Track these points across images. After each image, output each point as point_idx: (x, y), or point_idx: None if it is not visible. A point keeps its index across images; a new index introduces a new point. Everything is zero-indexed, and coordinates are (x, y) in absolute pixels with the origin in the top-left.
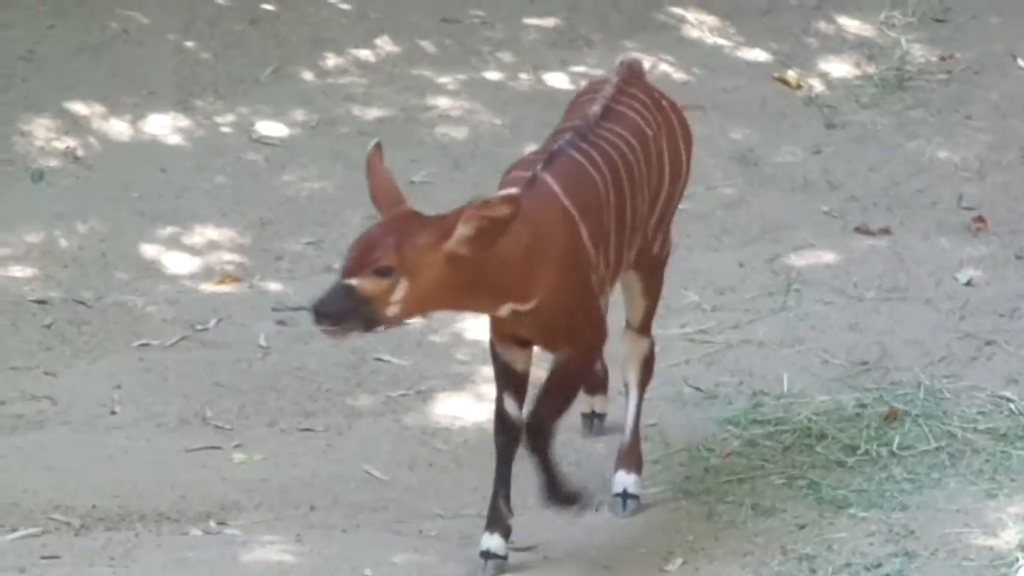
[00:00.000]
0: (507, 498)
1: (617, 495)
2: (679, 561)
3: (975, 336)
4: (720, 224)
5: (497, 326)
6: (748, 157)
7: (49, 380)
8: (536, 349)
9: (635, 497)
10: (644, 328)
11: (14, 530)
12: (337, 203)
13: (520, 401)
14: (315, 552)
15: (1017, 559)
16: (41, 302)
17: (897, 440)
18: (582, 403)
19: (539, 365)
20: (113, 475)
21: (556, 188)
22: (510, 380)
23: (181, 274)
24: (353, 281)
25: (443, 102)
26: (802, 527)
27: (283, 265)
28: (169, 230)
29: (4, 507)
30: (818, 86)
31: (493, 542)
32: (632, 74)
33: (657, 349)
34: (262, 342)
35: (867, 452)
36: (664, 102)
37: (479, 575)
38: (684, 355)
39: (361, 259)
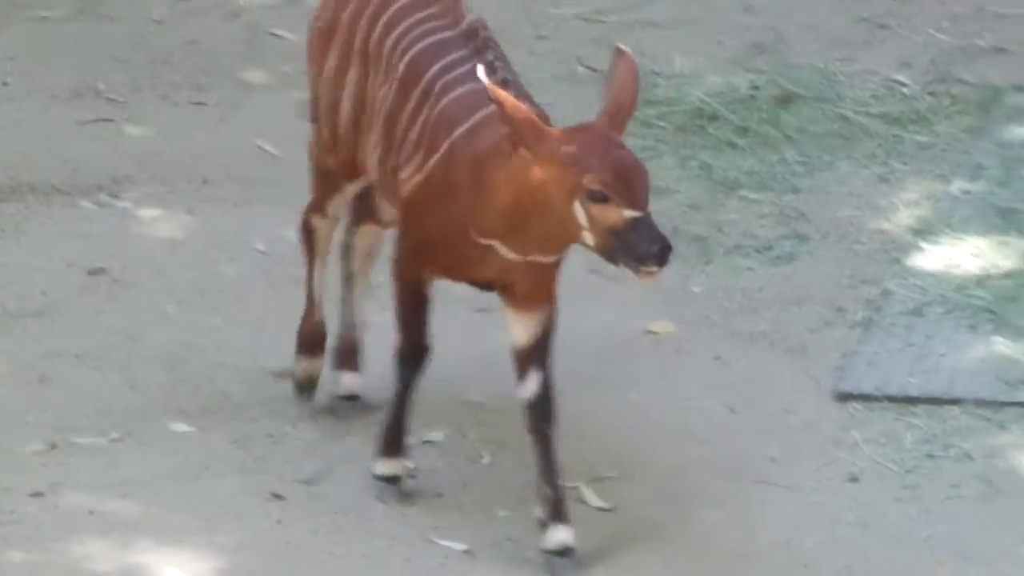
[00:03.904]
0: None
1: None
2: None
3: (869, 20)
4: None
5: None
6: None
7: None
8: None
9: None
10: None
11: None
12: None
13: None
14: (207, 225)
15: (909, 243)
16: None
17: (790, 122)
18: None
19: None
20: (4, 146)
21: None
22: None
23: None
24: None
25: None
26: (694, 207)
27: None
28: None
29: None
30: None
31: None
32: None
33: (552, 27)
34: (155, 16)
35: (759, 134)
36: None
37: None
38: (577, 34)
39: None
